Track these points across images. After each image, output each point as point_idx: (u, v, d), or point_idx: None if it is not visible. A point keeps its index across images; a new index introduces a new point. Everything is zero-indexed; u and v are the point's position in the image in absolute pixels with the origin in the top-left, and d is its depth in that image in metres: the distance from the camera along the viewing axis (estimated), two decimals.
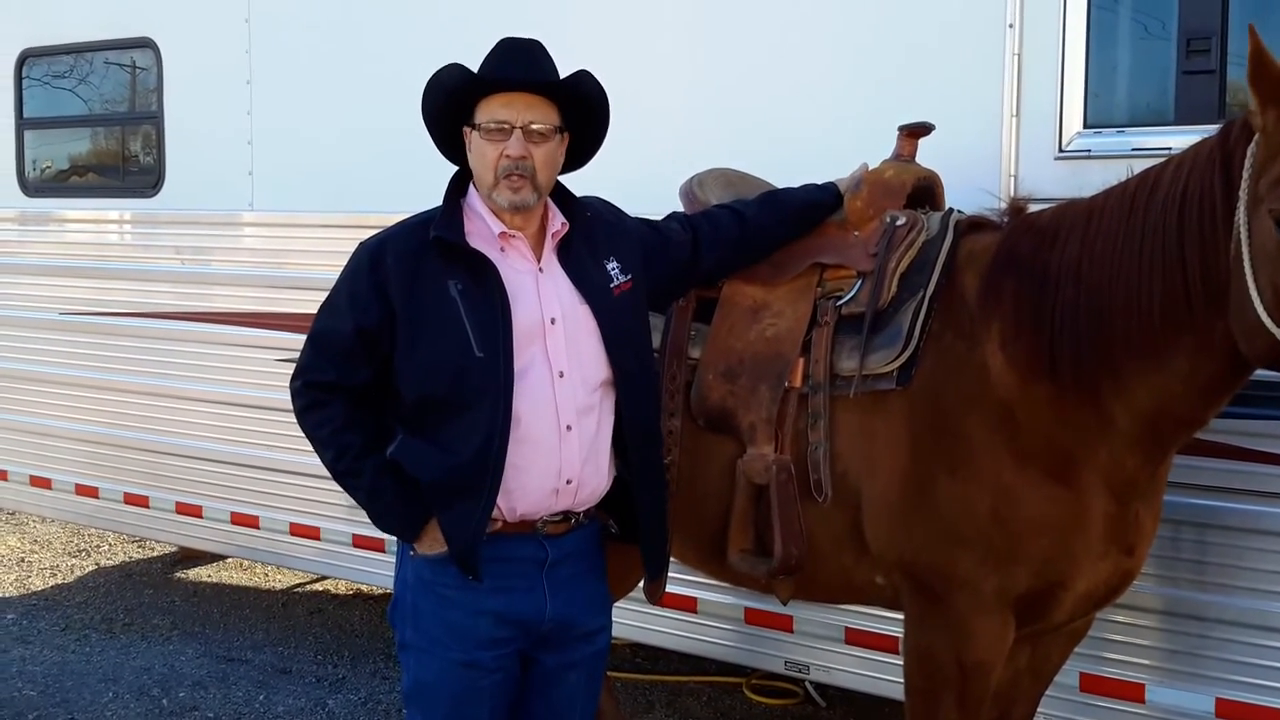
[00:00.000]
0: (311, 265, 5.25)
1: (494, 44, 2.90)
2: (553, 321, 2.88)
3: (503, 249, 2.90)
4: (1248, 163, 2.60)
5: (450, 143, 2.98)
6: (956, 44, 3.84)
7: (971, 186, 3.39)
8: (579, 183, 3.11)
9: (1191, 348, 2.76)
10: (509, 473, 2.82)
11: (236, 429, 5.74)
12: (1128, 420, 2.92)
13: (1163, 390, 2.85)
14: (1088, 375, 2.91)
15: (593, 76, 2.94)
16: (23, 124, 6.51)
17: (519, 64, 2.85)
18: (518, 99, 2.83)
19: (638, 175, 3.87)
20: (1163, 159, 2.88)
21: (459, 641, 2.90)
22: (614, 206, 3.21)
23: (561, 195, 3.03)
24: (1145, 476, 3.02)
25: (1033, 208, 3.22)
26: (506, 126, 2.81)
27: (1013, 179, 3.68)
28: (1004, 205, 3.27)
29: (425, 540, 2.89)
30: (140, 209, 6.09)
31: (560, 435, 2.87)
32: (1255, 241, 2.58)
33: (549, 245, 2.95)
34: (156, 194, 5.97)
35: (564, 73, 2.91)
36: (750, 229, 3.35)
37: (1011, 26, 3.71)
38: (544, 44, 2.92)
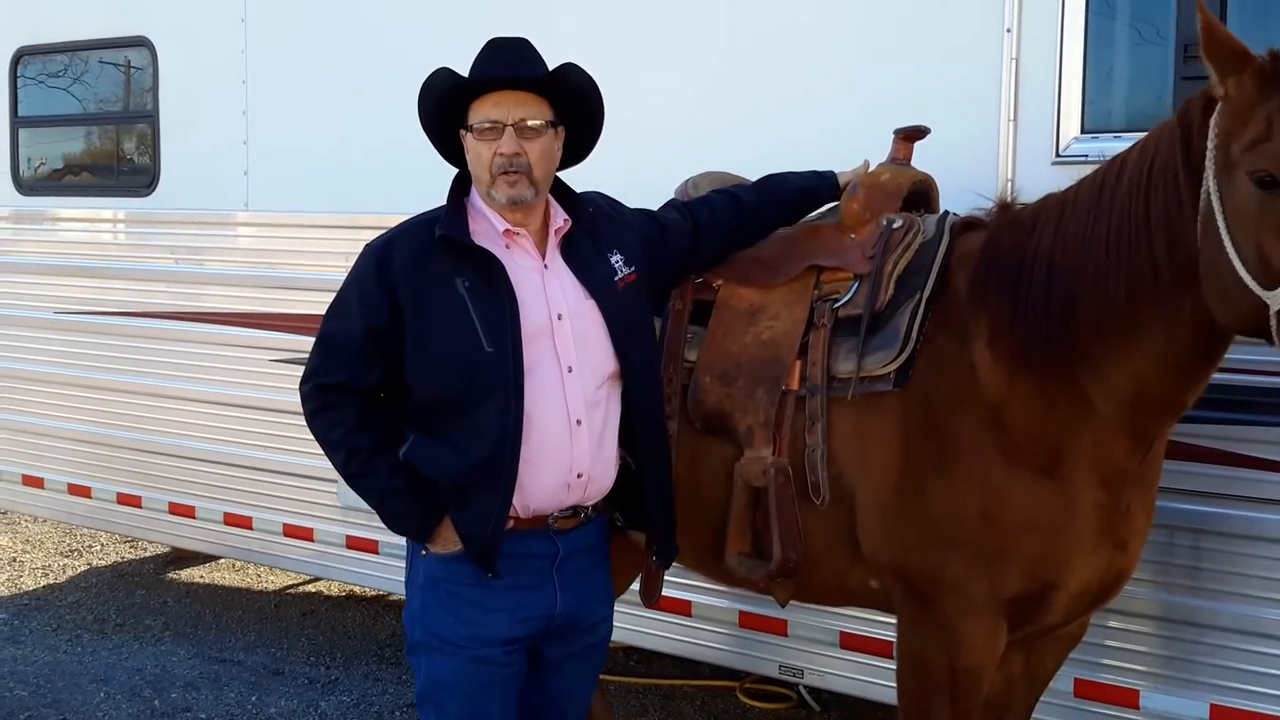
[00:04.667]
0: (307, 265, 5.25)
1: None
2: (560, 317, 2.90)
3: (507, 246, 2.92)
4: (1211, 132, 2.63)
5: (450, 146, 2.99)
6: (955, 49, 3.84)
7: (968, 191, 3.39)
8: (576, 184, 3.11)
9: (1161, 324, 2.77)
10: (521, 469, 2.83)
11: (230, 429, 5.72)
12: (1108, 405, 2.92)
13: (1138, 371, 2.85)
14: (1066, 359, 2.92)
15: (579, 68, 2.95)
16: (17, 122, 6.50)
17: (506, 63, 2.87)
18: (507, 97, 2.84)
19: (635, 178, 3.85)
20: None
21: (471, 639, 2.92)
22: (613, 200, 3.23)
23: (563, 192, 3.04)
24: (1134, 464, 3.02)
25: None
26: (498, 125, 2.83)
27: (1010, 184, 3.68)
28: (993, 205, 3.28)
29: (439, 540, 2.90)
30: (135, 208, 6.07)
31: (570, 430, 2.88)
32: (1231, 206, 2.59)
33: (553, 241, 2.97)
34: (151, 193, 5.96)
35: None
36: (748, 214, 3.37)
37: (1009, 31, 3.72)
38: (532, 41, 2.92)
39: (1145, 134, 2.89)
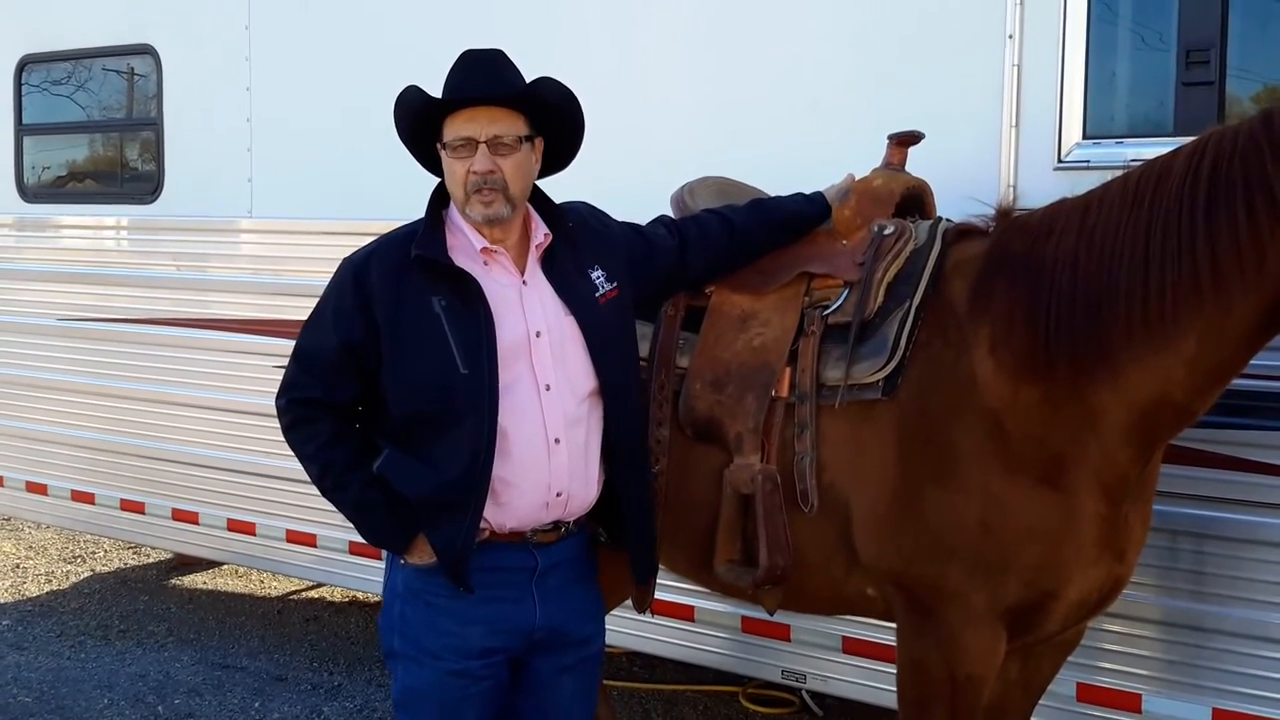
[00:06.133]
0: (310, 272, 5.23)
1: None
2: (538, 335, 2.87)
3: (486, 263, 2.88)
4: None
5: (430, 159, 2.96)
6: (956, 55, 3.84)
7: (970, 197, 3.39)
8: (572, 192, 3.11)
9: (1202, 330, 2.76)
10: (499, 488, 2.82)
11: (233, 435, 5.73)
12: (1122, 411, 2.90)
13: (1164, 376, 2.83)
14: (1084, 365, 2.89)
15: (554, 81, 2.92)
16: (22, 130, 6.51)
17: (478, 78, 2.83)
18: (480, 113, 2.80)
19: (640, 188, 3.86)
20: None
21: (448, 650, 2.90)
22: (599, 211, 3.19)
23: (544, 204, 3.01)
24: (1135, 473, 3.01)
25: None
26: (471, 142, 2.79)
27: (1011, 189, 3.68)
28: (992, 212, 3.27)
29: (415, 552, 2.89)
30: (139, 215, 6.09)
31: (549, 449, 2.86)
32: None
33: (533, 257, 2.94)
34: (155, 200, 5.97)
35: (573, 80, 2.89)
36: (737, 236, 3.34)
37: (1011, 38, 3.72)
38: (506, 52, 2.89)
39: (1190, 141, 2.85)
